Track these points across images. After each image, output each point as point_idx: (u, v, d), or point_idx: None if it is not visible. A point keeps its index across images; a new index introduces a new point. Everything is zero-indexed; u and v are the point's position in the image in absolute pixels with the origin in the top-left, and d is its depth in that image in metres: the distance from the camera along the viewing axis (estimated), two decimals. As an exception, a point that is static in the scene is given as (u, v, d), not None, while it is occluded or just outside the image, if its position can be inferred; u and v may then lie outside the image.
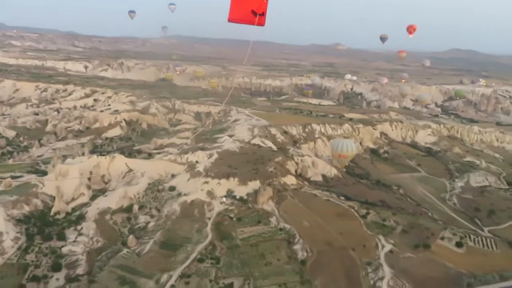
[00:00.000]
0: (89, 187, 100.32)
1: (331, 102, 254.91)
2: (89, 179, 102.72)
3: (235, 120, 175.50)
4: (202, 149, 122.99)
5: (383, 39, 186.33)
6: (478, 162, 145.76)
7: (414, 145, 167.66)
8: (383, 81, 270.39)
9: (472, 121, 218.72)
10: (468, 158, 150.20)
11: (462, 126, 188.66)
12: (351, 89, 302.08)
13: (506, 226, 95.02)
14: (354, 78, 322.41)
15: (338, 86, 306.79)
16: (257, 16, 18.55)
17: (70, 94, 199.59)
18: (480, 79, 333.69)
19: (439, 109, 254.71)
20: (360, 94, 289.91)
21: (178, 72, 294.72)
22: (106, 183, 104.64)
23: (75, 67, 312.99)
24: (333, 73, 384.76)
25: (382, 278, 68.53)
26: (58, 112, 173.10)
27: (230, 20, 18.97)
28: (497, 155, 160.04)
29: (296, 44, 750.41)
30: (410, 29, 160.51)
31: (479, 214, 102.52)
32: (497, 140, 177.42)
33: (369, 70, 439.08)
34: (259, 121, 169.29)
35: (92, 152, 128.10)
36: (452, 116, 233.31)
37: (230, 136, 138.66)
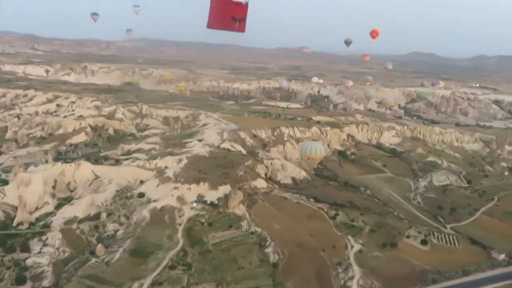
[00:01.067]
0: (53, 196, 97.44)
1: (298, 105, 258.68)
2: (53, 187, 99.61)
3: (204, 124, 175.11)
4: (171, 154, 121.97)
5: (347, 43, 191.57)
6: (440, 161, 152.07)
7: (379, 146, 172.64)
8: (349, 84, 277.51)
9: (433, 122, 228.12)
10: (430, 158, 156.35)
11: (424, 127, 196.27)
12: (318, 92, 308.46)
13: (467, 222, 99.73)
14: (321, 81, 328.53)
15: (305, 89, 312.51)
16: (237, 22, 18.43)
17: (31, 99, 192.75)
18: (440, 82, 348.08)
19: (402, 111, 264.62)
20: (327, 96, 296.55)
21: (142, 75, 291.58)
22: (71, 191, 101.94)
23: (36, 71, 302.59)
24: (300, 76, 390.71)
25: (352, 278, 70.43)
26: (19, 118, 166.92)
27: (209, 27, 18.79)
28: (457, 154, 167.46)
29: (262, 47, 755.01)
30: (373, 34, 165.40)
31: (442, 212, 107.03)
32: (457, 140, 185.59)
33: (335, 73, 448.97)
34: (228, 125, 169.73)
35: (56, 159, 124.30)
36: (415, 118, 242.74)
37: (200, 140, 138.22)
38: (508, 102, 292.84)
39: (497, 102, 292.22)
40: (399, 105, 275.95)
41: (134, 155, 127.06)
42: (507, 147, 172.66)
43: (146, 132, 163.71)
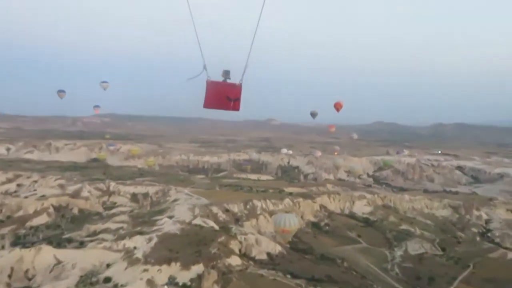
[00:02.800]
0: (9, 286, 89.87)
1: (269, 176, 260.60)
2: (9, 276, 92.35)
3: (175, 200, 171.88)
4: (140, 233, 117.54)
5: (313, 115, 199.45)
6: (412, 229, 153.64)
7: (352, 215, 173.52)
8: (317, 154, 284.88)
9: (402, 189, 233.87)
10: (403, 226, 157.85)
11: (394, 195, 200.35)
12: (288, 163, 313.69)
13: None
14: (290, 152, 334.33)
15: (275, 160, 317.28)
16: (232, 101, 19.94)
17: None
18: (404, 149, 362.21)
19: (371, 179, 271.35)
20: (297, 167, 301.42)
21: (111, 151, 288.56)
22: (30, 279, 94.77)
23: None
24: (269, 147, 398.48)
25: None
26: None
27: (206, 107, 20.43)
28: (428, 221, 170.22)
29: (230, 120, 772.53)
30: (337, 106, 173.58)
31: (420, 282, 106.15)
32: (427, 206, 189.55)
33: (303, 143, 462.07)
34: (199, 200, 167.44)
35: (14, 244, 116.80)
36: (384, 186, 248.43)
37: (170, 217, 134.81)
38: (470, 167, 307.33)
39: (459, 168, 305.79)
40: (367, 174, 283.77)
41: (100, 235, 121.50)
42: (475, 212, 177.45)
43: (113, 211, 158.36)
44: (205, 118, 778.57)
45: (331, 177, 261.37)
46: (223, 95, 20.05)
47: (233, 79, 20.31)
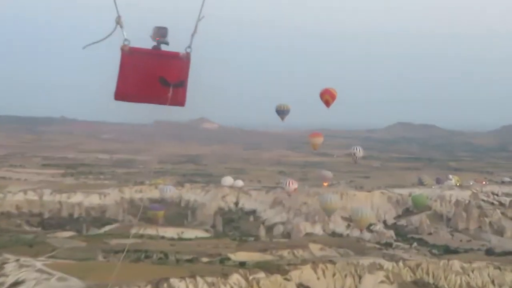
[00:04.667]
0: None
1: (201, 230, 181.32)
2: None
3: (15, 284, 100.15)
4: None
5: (282, 112, 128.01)
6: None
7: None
8: (291, 187, 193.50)
9: (447, 250, 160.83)
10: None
11: (433, 261, 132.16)
12: (236, 204, 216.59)
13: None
14: (240, 182, 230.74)
15: (211, 200, 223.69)
16: (171, 87, 10.77)
17: None
18: (450, 175, 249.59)
19: (392, 232, 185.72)
20: (253, 212, 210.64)
21: None
22: None
23: None
24: (200, 173, 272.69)
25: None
26: None
27: (119, 98, 10.76)
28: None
29: (120, 121, 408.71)
30: (327, 97, 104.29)
31: None
32: (493, 282, 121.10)
33: (264, 165, 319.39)
34: (65, 282, 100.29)
35: None
36: (415, 244, 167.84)
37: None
38: None
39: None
40: (384, 222, 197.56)
41: None
42: None
43: None
44: (69, 119, 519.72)
45: (317, 230, 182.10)
46: (154, 74, 10.80)
47: (175, 47, 11.04)
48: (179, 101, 10.89)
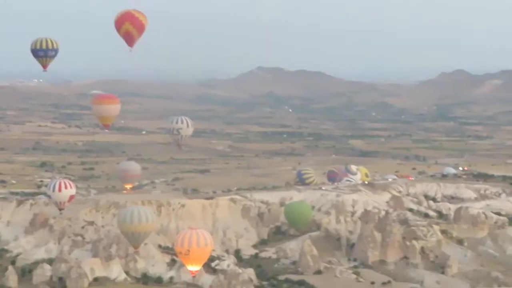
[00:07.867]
0: None
1: None
2: None
3: None
4: None
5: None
6: None
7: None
8: (62, 192, 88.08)
9: None
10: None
11: None
12: None
13: None
14: None
15: None
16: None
17: None
18: (353, 165, 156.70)
19: (250, 272, 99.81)
20: None
21: None
22: None
23: None
24: None
25: None
26: None
27: None
28: None
29: None
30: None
31: None
32: None
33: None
34: None
35: None
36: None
37: None
38: None
39: None
40: (237, 254, 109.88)
41: None
42: None
43: None
44: None
45: (115, 272, 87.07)
46: None
47: None
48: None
